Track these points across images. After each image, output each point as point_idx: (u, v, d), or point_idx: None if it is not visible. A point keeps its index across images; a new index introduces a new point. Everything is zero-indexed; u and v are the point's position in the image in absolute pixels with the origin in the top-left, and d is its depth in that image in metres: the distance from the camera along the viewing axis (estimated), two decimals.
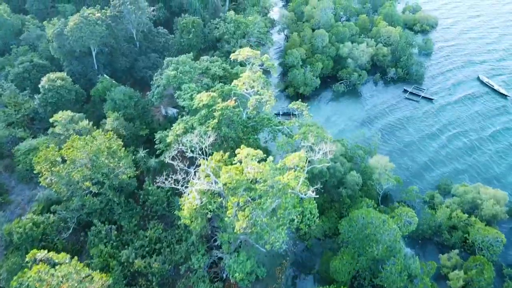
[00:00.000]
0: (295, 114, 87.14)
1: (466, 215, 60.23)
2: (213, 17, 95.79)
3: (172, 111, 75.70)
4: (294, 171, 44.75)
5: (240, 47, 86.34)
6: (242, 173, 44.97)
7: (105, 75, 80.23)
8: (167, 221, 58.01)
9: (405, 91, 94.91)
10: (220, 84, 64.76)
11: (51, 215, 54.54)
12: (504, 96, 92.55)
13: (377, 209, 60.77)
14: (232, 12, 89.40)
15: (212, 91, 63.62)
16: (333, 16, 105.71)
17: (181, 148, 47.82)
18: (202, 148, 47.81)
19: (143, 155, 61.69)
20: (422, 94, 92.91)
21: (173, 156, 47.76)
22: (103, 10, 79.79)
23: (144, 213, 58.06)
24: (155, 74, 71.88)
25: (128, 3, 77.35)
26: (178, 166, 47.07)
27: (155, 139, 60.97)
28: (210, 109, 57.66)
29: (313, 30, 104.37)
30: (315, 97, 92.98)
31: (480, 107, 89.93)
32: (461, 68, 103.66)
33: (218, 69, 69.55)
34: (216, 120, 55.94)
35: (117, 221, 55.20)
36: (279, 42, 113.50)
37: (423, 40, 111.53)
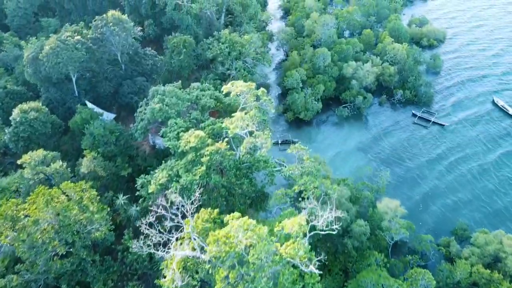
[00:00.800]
0: (295, 142, 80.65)
1: (488, 271, 53.15)
2: (208, 33, 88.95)
3: (160, 141, 68.55)
4: (293, 242, 37.71)
5: (236, 69, 79.79)
6: (233, 241, 38.00)
7: (86, 102, 73.30)
8: (149, 280, 50.93)
9: (414, 115, 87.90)
10: (211, 120, 57.66)
11: (15, 276, 47.44)
12: None
13: (388, 263, 53.78)
14: (226, 31, 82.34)
15: (201, 128, 56.77)
16: (336, 31, 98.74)
17: (160, 213, 40.72)
18: (185, 214, 40.68)
19: (122, 202, 54.61)
20: (432, 119, 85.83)
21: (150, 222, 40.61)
22: (84, 32, 72.81)
23: (122, 271, 50.95)
24: (140, 104, 64.76)
25: (111, 24, 70.33)
26: (157, 234, 39.99)
27: (136, 185, 53.91)
28: (198, 153, 50.67)
29: (314, 46, 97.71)
30: (317, 122, 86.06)
31: (495, 136, 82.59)
32: (474, 88, 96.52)
33: (209, 100, 62.42)
34: (204, 168, 48.93)
35: (90, 283, 48.10)
36: (278, 58, 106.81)
37: (431, 56, 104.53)
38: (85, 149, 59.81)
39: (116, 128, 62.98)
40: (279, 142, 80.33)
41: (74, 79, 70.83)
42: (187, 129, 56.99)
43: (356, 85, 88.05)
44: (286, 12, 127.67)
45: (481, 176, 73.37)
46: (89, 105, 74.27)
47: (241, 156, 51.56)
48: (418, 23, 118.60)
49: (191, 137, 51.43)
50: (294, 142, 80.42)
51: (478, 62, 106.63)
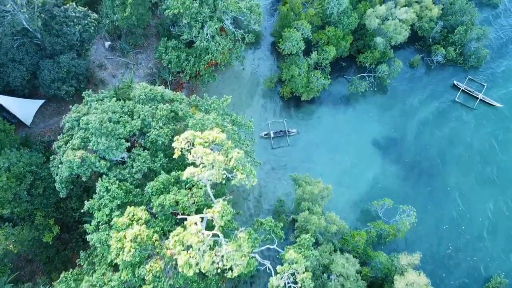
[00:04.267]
0: (292, 133, 60.78)
1: None
2: None
3: None
4: None
5: (212, 37, 54.25)
6: None
7: None
8: None
9: (455, 87, 64.70)
10: (162, 178, 37.37)
11: None
12: None
13: None
14: None
15: (148, 197, 37.50)
16: None
17: None
18: None
19: None
20: (480, 96, 63.11)
21: None
22: None
23: None
24: (64, 123, 43.01)
25: None
26: None
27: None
28: (136, 273, 33.07)
29: None
30: (320, 99, 63.58)
31: None
32: None
33: (163, 132, 40.48)
34: None
35: None
36: None
37: None
38: None
39: (28, 169, 42.76)
40: (271, 134, 60.14)
41: None
42: (126, 194, 37.98)
43: (382, 43, 62.23)
44: None
45: None
46: None
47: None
48: None
49: (127, 241, 32.89)
50: (290, 133, 60.90)
51: None
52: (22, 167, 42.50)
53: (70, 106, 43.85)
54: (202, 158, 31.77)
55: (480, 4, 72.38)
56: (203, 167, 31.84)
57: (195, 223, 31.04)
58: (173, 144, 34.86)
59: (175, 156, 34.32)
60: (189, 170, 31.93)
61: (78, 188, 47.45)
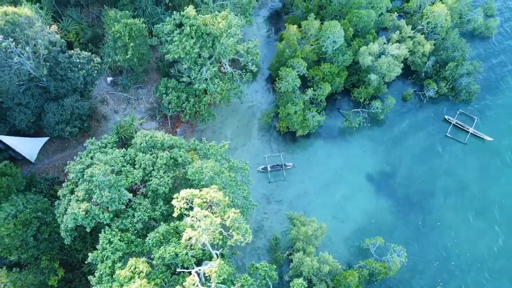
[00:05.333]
0: (288, 166, 62.73)
1: None
2: None
3: None
4: None
5: (210, 79, 56.17)
6: None
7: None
8: None
9: (447, 121, 66.66)
10: (162, 230, 39.31)
11: None
12: None
13: None
14: (192, 11, 54.38)
15: (144, 261, 39.20)
16: None
17: None
18: None
19: None
20: (471, 130, 65.10)
21: None
22: None
23: None
24: (69, 166, 44.91)
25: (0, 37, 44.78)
26: None
27: None
28: None
29: (321, 7, 69.54)
30: (316, 133, 65.41)
31: None
32: None
33: (164, 180, 42.43)
34: None
35: None
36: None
37: (484, 8, 75.33)
38: None
39: (34, 215, 44.70)
40: (268, 168, 62.08)
41: None
42: (128, 245, 39.97)
43: (375, 80, 64.23)
44: None
45: None
46: (4, 139, 53.79)
47: None
48: None
49: None
50: (286, 167, 62.90)
51: None
52: (29, 214, 44.45)
53: (73, 143, 45.71)
54: (200, 222, 33.73)
55: (472, 37, 74.34)
56: (201, 231, 33.78)
57: (193, 284, 32.99)
58: (173, 202, 36.91)
59: (175, 214, 36.39)
60: (188, 233, 33.91)
61: (82, 229, 49.40)
